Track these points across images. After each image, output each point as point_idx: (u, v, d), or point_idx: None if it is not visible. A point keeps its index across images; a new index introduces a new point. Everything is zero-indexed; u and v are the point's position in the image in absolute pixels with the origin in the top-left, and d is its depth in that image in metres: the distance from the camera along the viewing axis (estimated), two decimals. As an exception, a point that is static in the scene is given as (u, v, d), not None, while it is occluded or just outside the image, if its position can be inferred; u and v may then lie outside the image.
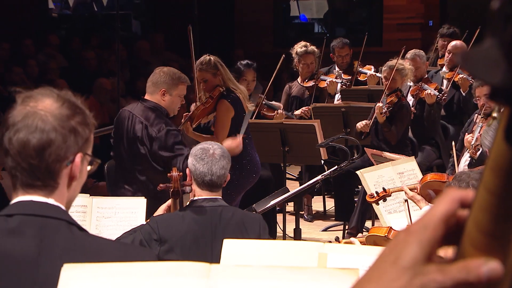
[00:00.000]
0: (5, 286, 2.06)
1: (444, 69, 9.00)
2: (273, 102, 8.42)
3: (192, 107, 6.78)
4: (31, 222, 2.10)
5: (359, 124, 7.74)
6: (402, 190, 5.24)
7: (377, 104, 7.62)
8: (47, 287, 2.06)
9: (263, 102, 8.10)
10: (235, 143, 6.07)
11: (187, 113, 6.63)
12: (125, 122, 5.92)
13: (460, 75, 8.52)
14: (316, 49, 8.74)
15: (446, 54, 8.98)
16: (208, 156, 4.22)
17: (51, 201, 2.14)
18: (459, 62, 0.79)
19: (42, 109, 2.09)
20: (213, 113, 6.69)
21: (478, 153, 6.75)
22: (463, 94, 8.62)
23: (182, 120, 6.58)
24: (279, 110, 8.09)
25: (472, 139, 6.77)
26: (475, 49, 0.76)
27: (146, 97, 5.99)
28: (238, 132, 6.61)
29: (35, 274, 2.07)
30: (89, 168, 2.22)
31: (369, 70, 9.40)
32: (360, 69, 9.38)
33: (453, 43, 8.95)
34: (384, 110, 7.55)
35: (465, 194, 0.85)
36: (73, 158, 2.12)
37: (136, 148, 5.86)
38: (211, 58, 6.56)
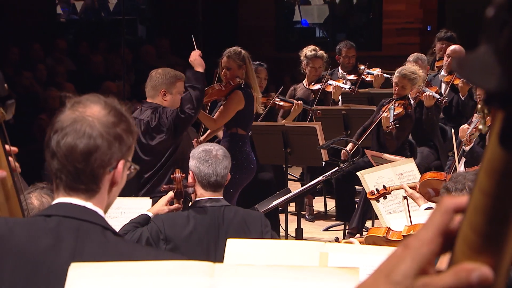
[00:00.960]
0: (37, 284, 2.08)
1: (443, 72, 9.00)
2: (288, 99, 8.48)
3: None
4: (68, 223, 2.13)
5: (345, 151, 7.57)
6: (402, 188, 5.25)
7: (383, 115, 7.46)
8: None
9: (278, 99, 8.20)
10: None
11: None
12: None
13: (461, 79, 8.51)
14: (324, 54, 8.75)
15: (445, 58, 8.98)
16: (211, 157, 4.24)
17: (89, 205, 2.16)
18: (454, 68, 0.78)
19: (90, 115, 2.12)
20: (224, 101, 6.72)
21: (469, 147, 6.75)
22: (462, 98, 8.62)
23: None
24: (296, 102, 8.16)
25: (468, 129, 6.76)
26: (470, 55, 0.76)
27: (148, 100, 6.00)
28: (238, 126, 6.64)
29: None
30: (127, 173, 2.24)
31: (378, 72, 9.37)
32: (367, 70, 9.38)
33: (452, 47, 8.94)
34: (391, 126, 7.36)
35: (459, 202, 0.85)
36: (116, 164, 2.15)
37: (150, 146, 5.85)
38: (242, 51, 6.71)
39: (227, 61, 6.64)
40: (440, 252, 0.85)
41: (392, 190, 5.39)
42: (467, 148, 6.81)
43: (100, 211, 2.19)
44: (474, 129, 6.77)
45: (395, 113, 7.43)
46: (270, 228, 4.35)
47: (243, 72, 6.64)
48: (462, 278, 0.81)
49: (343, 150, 7.39)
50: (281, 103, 8.30)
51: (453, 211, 0.85)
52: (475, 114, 7.06)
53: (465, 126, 6.91)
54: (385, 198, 5.45)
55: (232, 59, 6.63)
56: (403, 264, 0.84)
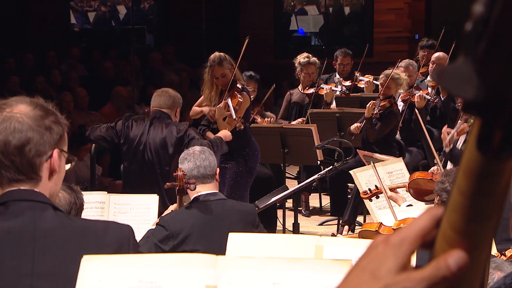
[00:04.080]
0: (7, 259, 2.10)
1: (429, 77, 9.01)
2: (268, 113, 8.46)
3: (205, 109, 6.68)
4: (23, 205, 2.14)
5: (352, 127, 7.73)
6: (398, 187, 5.27)
7: (372, 101, 7.61)
8: (44, 260, 2.11)
9: (261, 112, 8.17)
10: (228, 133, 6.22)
11: (225, 101, 6.48)
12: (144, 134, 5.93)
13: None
14: (317, 61, 8.77)
15: (430, 64, 9.00)
16: (189, 155, 4.41)
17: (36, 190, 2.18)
18: (434, 77, 0.79)
19: (17, 112, 2.13)
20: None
21: (449, 148, 6.73)
22: (442, 98, 8.62)
23: (224, 109, 6.45)
24: (267, 119, 8.15)
25: (450, 133, 6.72)
26: (450, 66, 0.76)
27: (163, 110, 5.97)
28: (247, 121, 6.66)
29: (33, 248, 2.11)
30: (67, 166, 2.25)
31: (369, 78, 9.37)
32: (360, 77, 9.40)
33: (437, 54, 8.94)
34: (375, 112, 7.52)
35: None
36: (51, 154, 2.15)
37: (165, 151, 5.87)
38: (225, 55, 6.57)
39: (220, 69, 6.47)
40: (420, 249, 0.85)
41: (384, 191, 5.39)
42: (447, 150, 6.81)
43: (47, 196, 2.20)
44: (456, 134, 6.73)
45: (380, 105, 7.52)
46: (269, 225, 4.43)
47: (234, 73, 6.53)
48: (441, 265, 0.81)
49: (351, 127, 7.53)
50: (258, 117, 8.16)
51: (437, 220, 0.85)
52: (459, 121, 7.01)
53: (448, 129, 6.87)
54: (377, 197, 5.45)
55: (224, 65, 6.49)
56: (386, 261, 0.84)
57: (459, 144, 6.89)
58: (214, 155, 4.50)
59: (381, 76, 7.81)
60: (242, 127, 6.43)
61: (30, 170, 2.13)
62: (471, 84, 0.73)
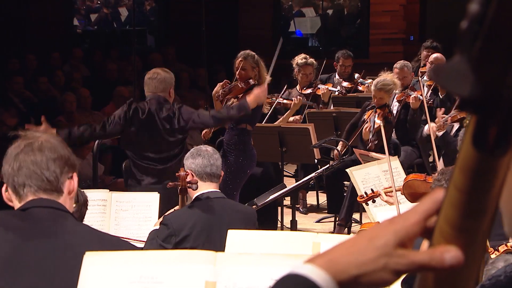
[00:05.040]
0: (31, 256, 2.17)
1: (425, 77, 9.02)
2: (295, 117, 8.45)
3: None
4: (44, 211, 2.24)
5: (337, 151, 7.57)
6: (393, 191, 5.25)
7: (365, 125, 7.39)
8: (64, 258, 2.18)
9: (281, 98, 8.23)
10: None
11: (227, 80, 6.66)
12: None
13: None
14: (314, 61, 8.77)
15: (428, 64, 9.02)
16: (203, 151, 4.36)
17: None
18: (431, 76, 0.79)
19: (40, 137, 2.32)
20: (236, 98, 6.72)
21: (441, 132, 6.77)
22: (441, 96, 8.61)
23: (221, 88, 6.61)
24: (296, 97, 8.18)
25: (444, 116, 6.73)
26: (446, 64, 0.76)
27: (156, 93, 5.99)
28: (248, 122, 6.65)
29: (55, 244, 2.19)
30: (74, 206, 2.45)
31: (370, 84, 9.32)
32: (361, 79, 9.38)
33: (434, 55, 8.97)
34: (370, 141, 7.34)
35: None
36: (72, 175, 2.31)
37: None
38: (256, 55, 6.80)
39: (244, 62, 6.69)
40: (421, 236, 0.86)
41: (380, 194, 5.37)
42: (440, 133, 6.79)
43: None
44: (450, 118, 6.74)
45: (375, 127, 7.36)
46: (270, 222, 4.42)
47: (256, 73, 6.66)
48: (436, 256, 0.82)
49: (335, 151, 7.41)
50: (284, 101, 8.31)
51: (440, 202, 0.85)
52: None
53: (442, 114, 6.89)
54: (373, 201, 5.41)
55: (248, 61, 6.69)
56: (385, 234, 0.85)
57: (453, 132, 6.90)
58: (220, 157, 4.49)
59: (372, 88, 7.66)
60: (218, 101, 6.57)
61: (55, 183, 2.27)
62: (467, 82, 0.73)
